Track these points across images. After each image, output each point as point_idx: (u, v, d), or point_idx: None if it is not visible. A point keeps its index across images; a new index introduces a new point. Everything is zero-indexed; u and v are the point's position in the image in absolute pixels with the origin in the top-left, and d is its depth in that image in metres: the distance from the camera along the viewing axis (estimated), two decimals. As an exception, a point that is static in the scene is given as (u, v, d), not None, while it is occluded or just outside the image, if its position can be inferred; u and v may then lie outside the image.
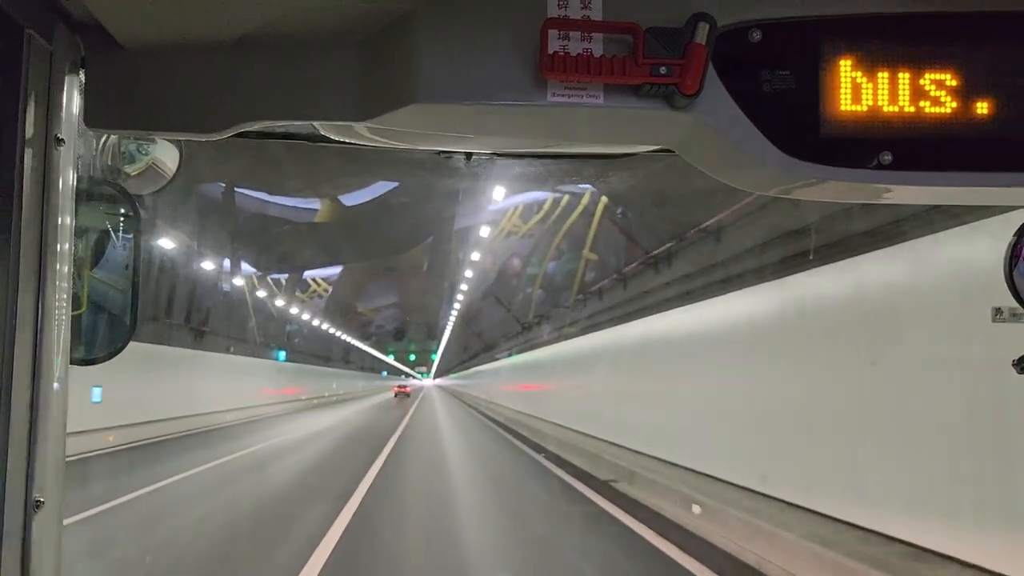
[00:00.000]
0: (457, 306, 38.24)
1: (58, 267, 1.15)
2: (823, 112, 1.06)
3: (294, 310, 34.56)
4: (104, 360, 1.36)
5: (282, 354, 37.44)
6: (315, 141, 1.47)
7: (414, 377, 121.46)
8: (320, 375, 48.82)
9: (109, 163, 1.46)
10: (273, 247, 22.84)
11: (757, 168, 1.08)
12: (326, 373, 51.44)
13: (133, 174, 1.49)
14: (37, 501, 1.09)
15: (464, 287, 32.24)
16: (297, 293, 33.59)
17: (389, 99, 1.06)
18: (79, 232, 1.28)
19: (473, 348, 48.64)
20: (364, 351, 65.67)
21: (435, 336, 59.19)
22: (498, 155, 1.77)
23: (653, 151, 1.31)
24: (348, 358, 60.29)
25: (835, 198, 1.19)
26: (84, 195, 1.29)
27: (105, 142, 1.45)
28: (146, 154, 1.50)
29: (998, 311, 4.61)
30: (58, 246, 1.15)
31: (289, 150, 9.07)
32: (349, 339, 52.94)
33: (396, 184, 15.91)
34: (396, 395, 59.66)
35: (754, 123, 1.05)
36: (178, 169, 1.54)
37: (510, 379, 30.66)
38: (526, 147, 1.53)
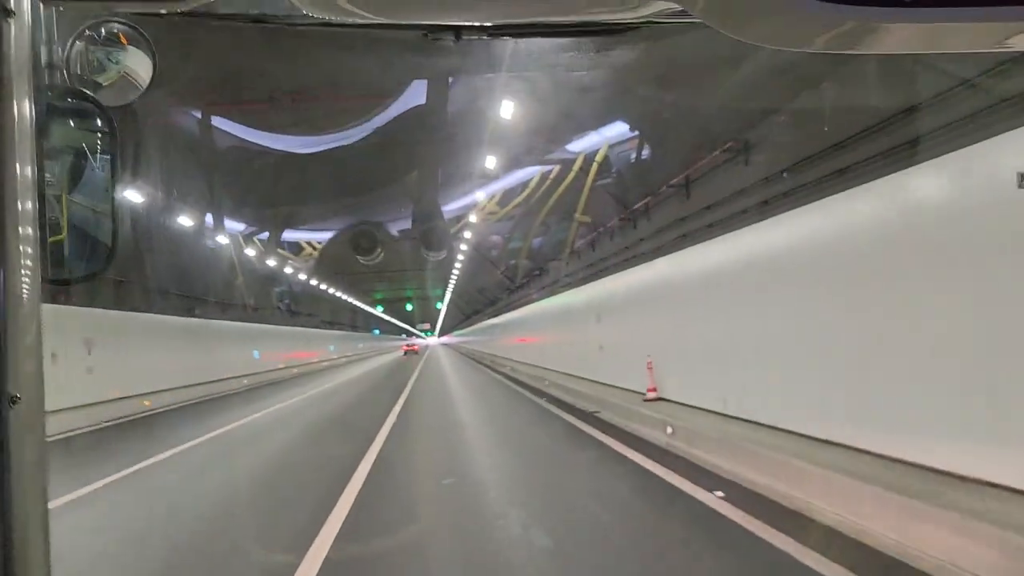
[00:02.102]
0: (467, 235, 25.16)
1: (17, 160, 1.11)
2: None
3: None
4: (83, 280, 1.33)
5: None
6: (289, 24, 1.57)
7: (417, 336, 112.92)
8: (226, 337, 28.44)
9: (79, 72, 1.39)
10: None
11: (784, 15, 0.87)
12: (248, 334, 31.09)
13: (105, 84, 1.44)
14: (13, 396, 1.08)
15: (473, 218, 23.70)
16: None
17: None
18: (53, 154, 1.25)
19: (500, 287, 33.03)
20: (337, 300, 47.80)
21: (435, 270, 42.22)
22: (490, 29, 1.64)
23: (661, 16, 1.10)
24: (295, 307, 40.45)
25: (887, 48, 0.92)
26: (57, 111, 1.26)
27: (71, 48, 1.36)
28: (117, 62, 1.46)
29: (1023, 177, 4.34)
30: (16, 132, 1.10)
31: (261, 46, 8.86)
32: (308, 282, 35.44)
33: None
34: (405, 353, 67.97)
35: None
36: (152, 79, 1.49)
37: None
38: (519, 17, 1.29)
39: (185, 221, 21.83)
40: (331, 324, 52.87)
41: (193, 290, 25.94)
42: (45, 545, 1.11)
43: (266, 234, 30.63)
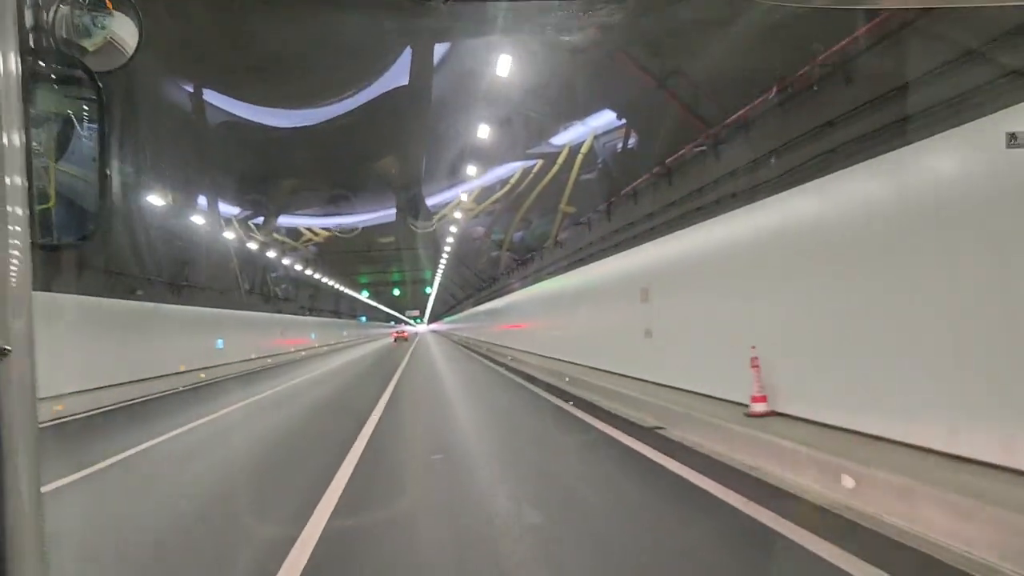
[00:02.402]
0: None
1: (4, 125, 1.12)
2: None
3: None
4: (72, 246, 1.34)
5: None
6: None
7: (406, 323, 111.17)
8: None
9: (64, 37, 1.36)
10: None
11: None
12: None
13: (91, 49, 1.42)
14: (3, 348, 1.10)
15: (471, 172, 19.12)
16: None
17: None
18: (39, 121, 1.25)
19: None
20: (318, 284, 43.37)
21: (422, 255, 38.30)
22: None
23: None
24: (271, 291, 33.62)
25: None
26: (43, 76, 1.26)
27: (56, 11, 1.34)
28: (103, 27, 1.43)
29: (1012, 137, 4.10)
30: (3, 96, 1.11)
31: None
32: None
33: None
34: (395, 340, 66.10)
35: None
36: (138, 45, 1.47)
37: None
38: None
39: (128, 184, 17.90)
40: (311, 310, 48.58)
41: (138, 268, 21.67)
42: (36, 488, 1.11)
43: (237, 209, 26.61)
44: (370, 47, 12.80)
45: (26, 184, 1.15)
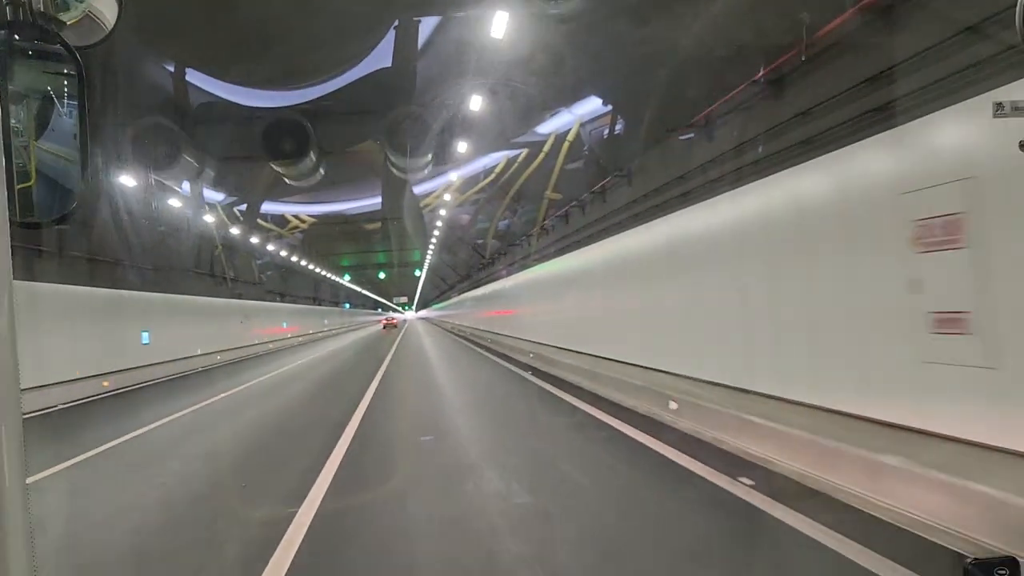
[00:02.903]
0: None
1: None
2: None
3: None
4: (50, 225, 1.29)
5: None
6: None
7: (395, 310, 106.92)
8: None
9: (42, 10, 1.27)
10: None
11: None
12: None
13: (69, 23, 1.35)
14: None
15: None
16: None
17: None
18: (18, 98, 1.20)
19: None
20: (294, 266, 36.54)
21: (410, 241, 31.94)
22: None
23: None
24: (230, 273, 27.88)
25: None
26: (20, 50, 1.20)
27: None
28: (81, 0, 1.37)
29: (999, 106, 3.67)
30: None
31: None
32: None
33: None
34: (384, 327, 65.98)
35: None
36: (117, 20, 1.41)
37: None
38: None
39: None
40: (283, 295, 42.03)
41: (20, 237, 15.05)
42: (21, 479, 1.06)
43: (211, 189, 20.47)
44: (355, 20, 12.12)
45: (4, 164, 1.08)
